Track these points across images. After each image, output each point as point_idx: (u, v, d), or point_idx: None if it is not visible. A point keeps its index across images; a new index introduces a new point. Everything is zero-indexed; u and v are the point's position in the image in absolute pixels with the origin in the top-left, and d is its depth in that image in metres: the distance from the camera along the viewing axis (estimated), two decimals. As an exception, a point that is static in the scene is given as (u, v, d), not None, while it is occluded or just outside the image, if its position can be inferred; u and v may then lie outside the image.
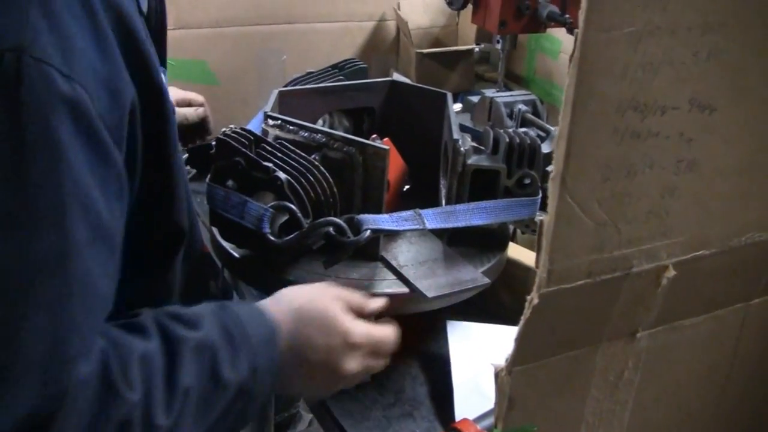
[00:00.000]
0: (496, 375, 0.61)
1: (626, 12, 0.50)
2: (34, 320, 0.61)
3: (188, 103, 1.30)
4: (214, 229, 1.02)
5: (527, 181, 1.03)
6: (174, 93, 1.30)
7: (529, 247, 1.17)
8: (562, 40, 1.62)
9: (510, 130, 1.02)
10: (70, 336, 0.63)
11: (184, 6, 1.50)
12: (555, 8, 1.23)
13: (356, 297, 0.88)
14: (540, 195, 1.03)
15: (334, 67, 1.26)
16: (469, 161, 1.00)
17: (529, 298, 0.57)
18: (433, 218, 0.96)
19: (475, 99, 1.47)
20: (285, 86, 1.15)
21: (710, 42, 0.55)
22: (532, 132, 1.02)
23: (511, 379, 0.61)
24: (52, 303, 0.62)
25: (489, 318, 1.09)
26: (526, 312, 0.57)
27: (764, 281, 0.72)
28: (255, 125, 1.17)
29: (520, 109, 1.31)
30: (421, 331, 1.09)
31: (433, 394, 1.00)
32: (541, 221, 0.55)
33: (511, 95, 1.41)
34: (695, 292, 0.68)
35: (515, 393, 0.62)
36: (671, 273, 0.63)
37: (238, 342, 0.76)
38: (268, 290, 1.01)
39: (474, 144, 1.03)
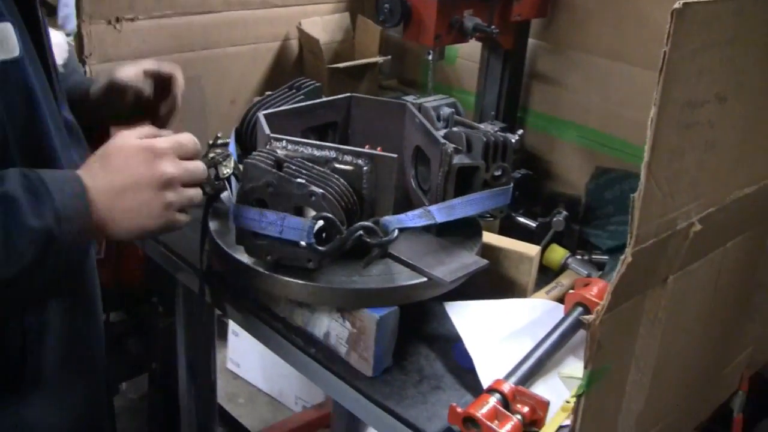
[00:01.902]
0: (588, 324, 0.77)
1: (691, 34, 0.67)
2: None
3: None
4: (233, 250, 1.10)
5: (498, 172, 1.20)
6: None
7: (486, 230, 1.34)
8: (457, 47, 1.80)
9: (482, 130, 1.19)
10: None
11: (107, 39, 1.52)
12: (480, 20, 1.40)
13: (146, 130, 0.99)
14: (512, 183, 1.20)
15: (290, 87, 1.36)
16: (454, 161, 1.15)
17: (622, 257, 0.73)
18: (438, 213, 1.10)
19: (397, 106, 1.61)
20: (265, 110, 1.24)
21: (728, 52, 0.73)
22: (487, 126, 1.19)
23: (601, 327, 0.76)
24: None
25: (468, 296, 1.24)
26: (621, 269, 0.73)
27: (739, 227, 0.93)
28: (230, 146, 1.26)
29: (451, 112, 1.47)
30: (421, 315, 1.22)
31: (448, 368, 1.14)
32: (633, 197, 0.71)
33: (434, 99, 1.56)
34: (703, 241, 0.87)
35: (602, 337, 0.78)
36: (698, 227, 0.82)
37: (41, 193, 0.85)
38: (289, 298, 1.11)
39: (454, 146, 1.17)
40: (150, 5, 1.55)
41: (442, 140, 1.15)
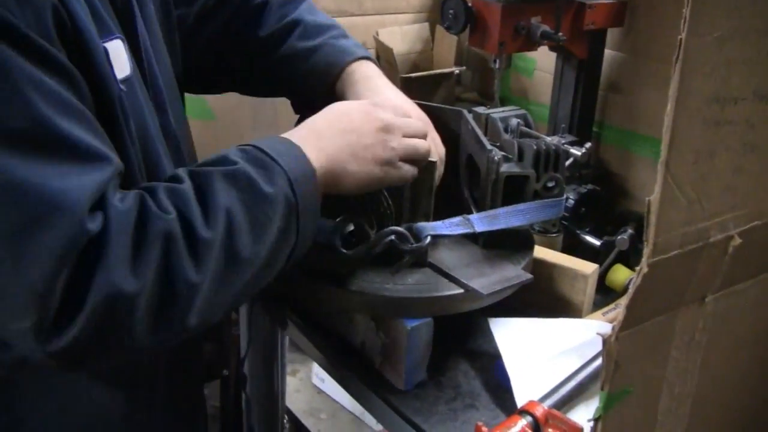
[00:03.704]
0: (605, 341, 0.70)
1: (715, 19, 0.61)
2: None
3: None
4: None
5: (551, 184, 1.14)
6: None
7: (547, 247, 1.27)
8: (535, 59, 1.74)
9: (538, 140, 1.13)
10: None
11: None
12: (547, 27, 1.34)
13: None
14: (565, 196, 1.13)
15: (347, 93, 1.34)
16: (502, 169, 1.10)
17: (638, 268, 0.66)
18: (479, 222, 1.05)
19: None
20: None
21: (769, 42, 0.66)
22: (555, 139, 1.12)
23: (617, 344, 0.70)
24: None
25: (518, 314, 1.18)
26: (636, 280, 0.66)
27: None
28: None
29: (518, 123, 1.41)
30: (465, 330, 1.17)
31: (487, 386, 1.08)
32: (649, 200, 0.64)
33: (503, 111, 1.51)
34: (750, 259, 0.78)
35: (619, 357, 0.71)
36: (737, 241, 0.73)
37: (267, 163, 0.85)
38: (322, 304, 1.09)
39: (503, 153, 1.12)
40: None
41: (489, 146, 1.10)
